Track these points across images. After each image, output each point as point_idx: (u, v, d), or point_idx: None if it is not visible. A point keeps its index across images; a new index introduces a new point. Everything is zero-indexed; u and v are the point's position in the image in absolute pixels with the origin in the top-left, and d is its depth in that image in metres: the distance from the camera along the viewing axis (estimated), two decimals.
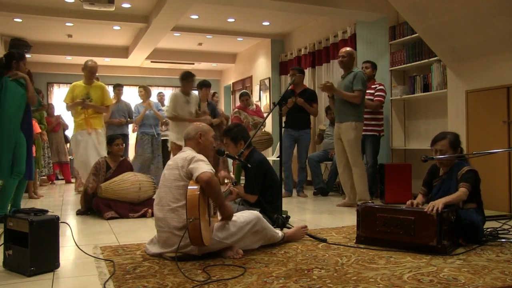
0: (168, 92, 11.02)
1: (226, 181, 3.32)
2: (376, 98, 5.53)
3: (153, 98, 7.77)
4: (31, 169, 4.32)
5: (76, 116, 5.46)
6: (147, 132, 7.00)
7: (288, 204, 5.12)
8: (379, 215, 3.02)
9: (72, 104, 5.38)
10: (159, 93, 8.51)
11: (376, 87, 5.57)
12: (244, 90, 7.38)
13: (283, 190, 5.85)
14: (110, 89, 6.44)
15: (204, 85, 6.39)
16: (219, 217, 2.80)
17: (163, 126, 7.43)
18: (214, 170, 2.73)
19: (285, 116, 5.90)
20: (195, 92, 6.12)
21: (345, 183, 5.10)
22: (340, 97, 4.92)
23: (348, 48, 5.10)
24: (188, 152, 2.81)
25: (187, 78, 5.75)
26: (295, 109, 5.80)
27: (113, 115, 6.96)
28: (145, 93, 7.17)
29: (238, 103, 11.48)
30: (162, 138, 7.44)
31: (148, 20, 7.45)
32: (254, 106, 6.94)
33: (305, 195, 5.96)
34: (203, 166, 2.65)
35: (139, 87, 7.32)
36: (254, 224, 2.81)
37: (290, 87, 6.09)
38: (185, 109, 5.76)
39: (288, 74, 6.42)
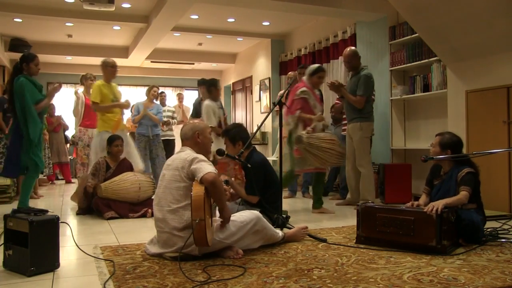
0: (168, 92, 11.01)
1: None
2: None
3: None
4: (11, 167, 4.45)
5: (109, 115, 5.19)
6: (142, 133, 6.91)
7: (289, 204, 5.12)
8: (379, 215, 3.03)
9: (111, 105, 5.14)
10: (161, 92, 8.19)
11: None
12: (319, 65, 4.88)
13: (287, 191, 5.85)
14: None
15: (199, 83, 6.46)
16: (218, 217, 2.80)
17: (164, 126, 7.39)
18: (216, 170, 2.72)
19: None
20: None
21: (350, 181, 5.10)
22: None
23: (348, 50, 5.05)
24: (187, 153, 2.79)
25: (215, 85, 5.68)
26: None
27: None
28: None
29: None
30: (163, 138, 7.41)
31: (148, 20, 7.45)
32: (318, 92, 5.19)
33: (311, 196, 5.94)
34: (207, 167, 2.64)
35: (154, 87, 6.88)
36: (254, 224, 2.81)
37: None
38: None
39: (297, 72, 6.04)
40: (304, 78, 4.75)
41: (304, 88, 4.61)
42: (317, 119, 4.47)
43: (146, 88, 7.08)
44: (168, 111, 7.62)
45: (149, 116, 6.88)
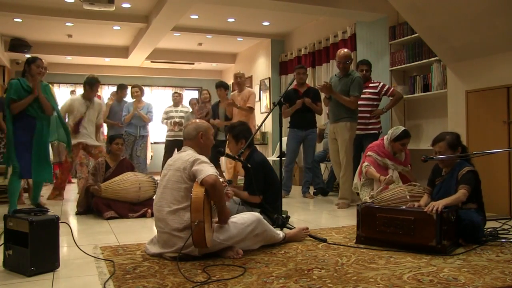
0: (169, 92, 11.03)
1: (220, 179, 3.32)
2: (392, 92, 5.46)
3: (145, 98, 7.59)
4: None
5: None
6: (130, 132, 6.99)
7: (289, 204, 5.12)
8: (379, 215, 3.03)
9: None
10: (175, 93, 8.24)
11: (378, 85, 5.50)
12: (405, 130, 4.37)
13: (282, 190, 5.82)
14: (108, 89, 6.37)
15: (216, 86, 6.73)
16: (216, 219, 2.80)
17: (176, 127, 7.44)
18: (218, 172, 2.72)
19: (289, 116, 5.86)
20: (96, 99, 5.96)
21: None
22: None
23: (346, 51, 5.09)
24: (189, 153, 2.78)
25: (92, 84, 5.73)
26: (302, 110, 5.70)
27: (116, 115, 7.03)
28: (140, 93, 7.13)
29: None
30: (173, 138, 7.45)
31: (148, 20, 7.45)
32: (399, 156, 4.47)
33: (312, 196, 5.92)
34: (208, 169, 2.63)
35: (134, 87, 7.12)
36: (255, 227, 2.80)
37: (292, 86, 5.91)
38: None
39: (294, 73, 5.91)
40: (385, 141, 4.39)
41: (370, 153, 4.39)
42: (385, 182, 4.06)
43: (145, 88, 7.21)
44: (181, 111, 7.65)
45: (140, 115, 6.91)
